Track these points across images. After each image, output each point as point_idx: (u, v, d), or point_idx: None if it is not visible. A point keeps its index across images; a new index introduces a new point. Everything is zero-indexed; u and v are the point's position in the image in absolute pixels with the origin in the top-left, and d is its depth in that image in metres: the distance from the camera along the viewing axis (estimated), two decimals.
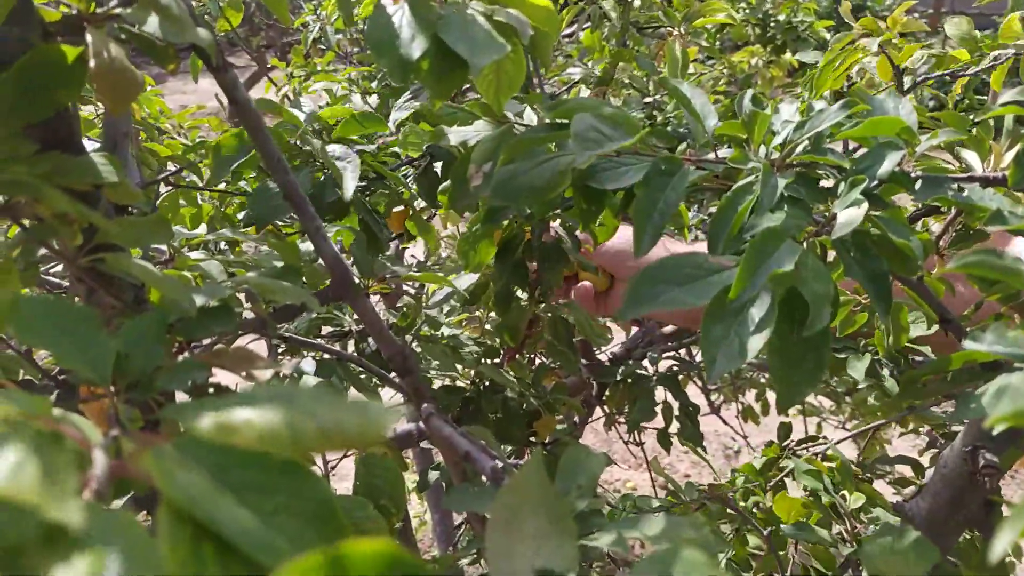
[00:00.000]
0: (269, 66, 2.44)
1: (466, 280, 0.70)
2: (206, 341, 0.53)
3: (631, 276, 0.44)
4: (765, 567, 0.71)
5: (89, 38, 0.42)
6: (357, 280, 0.60)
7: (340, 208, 0.65)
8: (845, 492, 0.65)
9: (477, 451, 0.49)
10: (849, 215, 0.44)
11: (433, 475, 0.75)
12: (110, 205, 0.50)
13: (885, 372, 0.67)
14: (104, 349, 0.36)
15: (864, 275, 0.44)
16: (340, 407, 0.23)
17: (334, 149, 0.62)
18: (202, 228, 0.77)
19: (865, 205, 0.44)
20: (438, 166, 0.67)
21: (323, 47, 2.12)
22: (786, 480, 0.78)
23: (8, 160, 0.43)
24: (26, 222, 0.47)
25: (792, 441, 0.89)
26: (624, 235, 0.78)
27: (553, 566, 0.26)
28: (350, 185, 0.59)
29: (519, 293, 0.74)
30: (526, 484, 0.30)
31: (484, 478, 0.47)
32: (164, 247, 0.66)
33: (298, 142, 0.64)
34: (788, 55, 2.01)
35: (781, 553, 0.63)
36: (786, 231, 0.45)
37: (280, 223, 1.00)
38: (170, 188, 0.96)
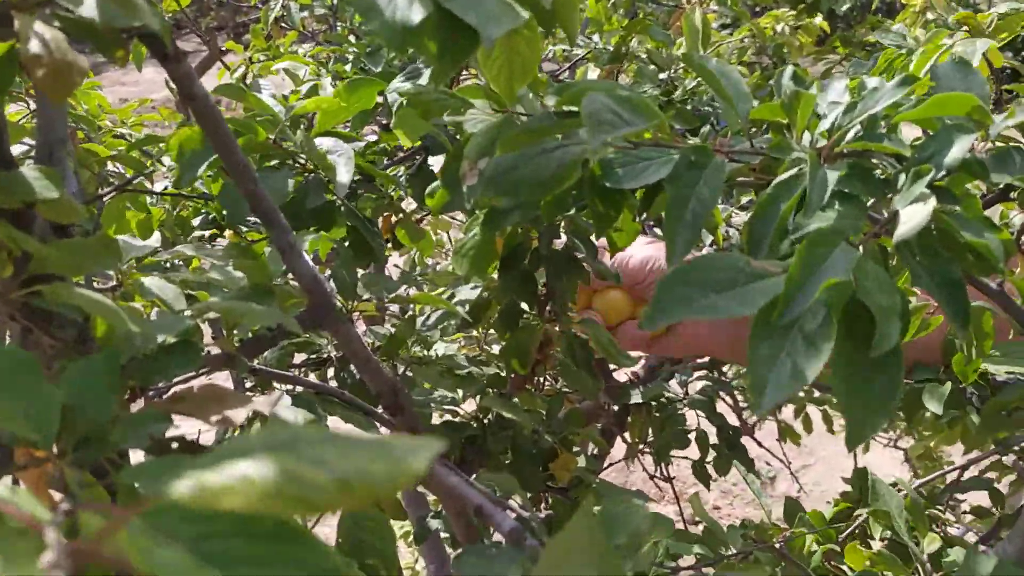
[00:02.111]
0: (223, 49, 2.43)
1: (467, 292, 0.68)
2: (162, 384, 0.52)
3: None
4: None
5: (18, 24, 0.41)
6: (338, 304, 0.59)
7: (325, 216, 0.64)
8: (918, 535, 0.64)
9: (491, 505, 0.48)
10: (914, 213, 0.43)
11: (434, 523, 0.74)
12: (47, 225, 0.49)
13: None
14: (47, 402, 0.35)
15: (934, 283, 0.44)
16: (356, 450, 0.22)
17: (322, 142, 0.61)
18: (155, 238, 0.76)
19: (932, 200, 0.43)
20: (435, 162, 0.66)
21: (285, 26, 2.11)
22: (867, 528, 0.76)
23: None
24: None
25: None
26: (645, 245, 0.77)
27: None
28: (344, 179, 0.59)
29: (526, 308, 0.73)
30: (573, 547, 0.29)
31: (500, 536, 0.46)
32: (111, 272, 0.65)
33: (275, 137, 0.63)
34: (819, 18, 2.00)
35: None
36: (840, 233, 0.44)
37: (245, 228, 0.99)
38: (113, 191, 0.95)
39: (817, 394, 1.77)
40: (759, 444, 1.65)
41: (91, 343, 0.49)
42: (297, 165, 0.64)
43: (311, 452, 0.22)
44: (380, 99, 0.71)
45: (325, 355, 0.87)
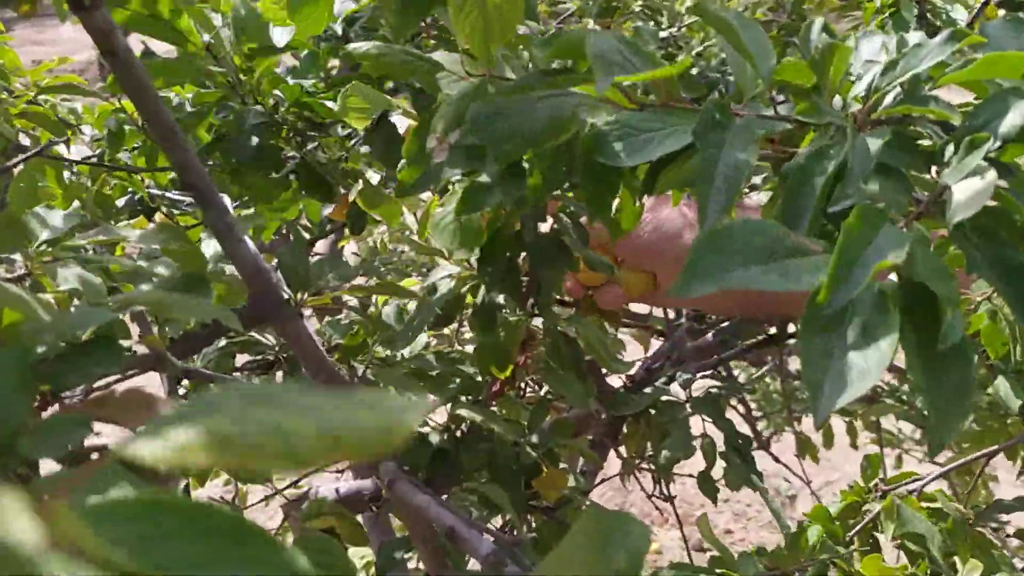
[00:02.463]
0: None
1: (443, 285, 0.67)
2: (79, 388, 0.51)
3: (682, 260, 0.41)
4: None
5: None
6: (287, 295, 0.58)
7: (271, 154, 0.62)
8: (956, 557, 0.64)
9: (466, 527, 0.47)
10: (971, 188, 0.42)
11: (399, 553, 0.73)
12: None
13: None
14: None
15: (993, 270, 0.43)
16: (349, 402, 0.22)
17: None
18: (72, 209, 0.75)
19: (992, 174, 0.42)
20: (398, 119, 0.65)
21: None
22: (877, 534, 0.76)
23: None
24: None
25: (880, 479, 0.87)
26: (655, 220, 0.76)
27: None
28: (279, 41, 0.56)
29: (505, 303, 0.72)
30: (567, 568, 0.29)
31: (477, 562, 0.45)
32: (17, 256, 0.64)
33: (209, 45, 0.61)
34: None
35: None
36: (885, 210, 0.43)
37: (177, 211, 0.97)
38: (25, 158, 0.93)
39: None
40: (776, 459, 1.65)
41: None
42: (236, 96, 0.62)
43: (296, 402, 0.22)
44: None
45: (272, 356, 0.85)
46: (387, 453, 0.21)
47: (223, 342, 0.79)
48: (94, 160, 0.96)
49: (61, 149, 1.07)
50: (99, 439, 0.48)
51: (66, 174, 1.03)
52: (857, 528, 0.80)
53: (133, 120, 0.90)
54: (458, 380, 0.76)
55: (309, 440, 0.21)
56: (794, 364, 1.62)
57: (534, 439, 0.73)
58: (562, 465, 0.84)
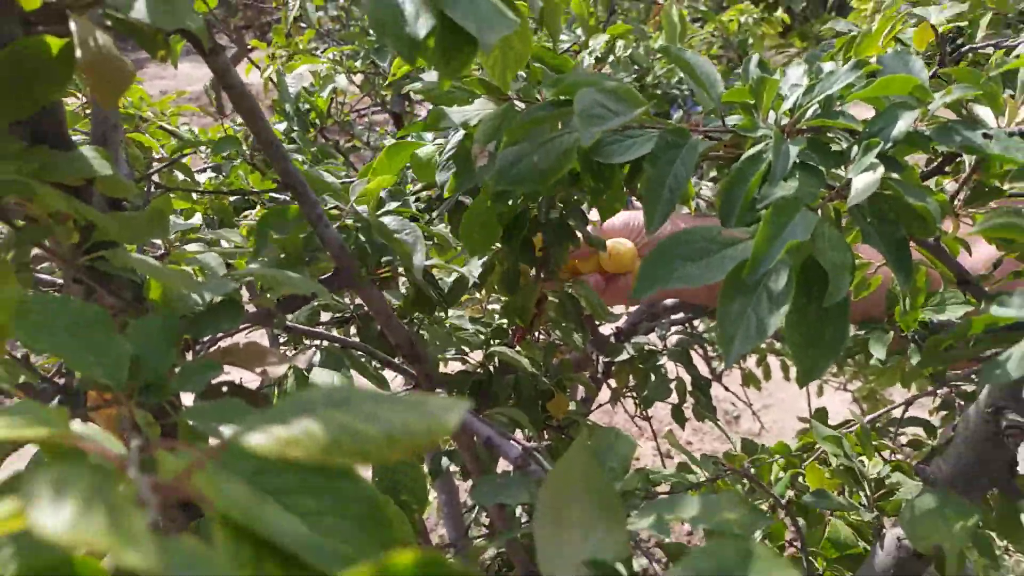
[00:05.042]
0: (249, 47, 2.40)
1: (475, 265, 0.69)
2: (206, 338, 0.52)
3: (645, 255, 0.43)
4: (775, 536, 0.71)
5: (73, 26, 0.40)
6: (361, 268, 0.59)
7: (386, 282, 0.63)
8: (864, 458, 0.65)
9: (498, 437, 0.48)
10: (865, 180, 0.43)
11: (445, 461, 0.75)
12: (103, 200, 0.49)
13: (912, 347, 0.66)
14: (119, 352, 0.35)
15: (883, 241, 0.44)
16: (401, 407, 0.22)
17: (389, 222, 0.59)
18: (197, 218, 0.76)
19: (881, 169, 0.43)
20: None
21: (303, 25, 2.09)
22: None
23: None
24: (18, 223, 0.46)
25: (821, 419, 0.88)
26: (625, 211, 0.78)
27: (603, 555, 0.26)
28: (419, 263, 0.57)
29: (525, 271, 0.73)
30: (572, 470, 0.29)
31: (510, 464, 0.46)
32: (159, 241, 0.65)
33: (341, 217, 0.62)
34: (779, 12, 1.98)
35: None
36: (801, 200, 0.44)
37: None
38: (161, 191, 0.95)
39: (778, 345, 1.79)
40: (726, 388, 1.67)
41: (146, 303, 0.50)
42: (354, 233, 0.63)
43: (364, 408, 0.22)
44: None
45: (348, 315, 0.87)
46: (431, 447, 0.21)
47: (313, 303, 0.81)
48: (213, 175, 0.97)
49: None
50: (227, 377, 0.49)
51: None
52: (810, 460, 0.80)
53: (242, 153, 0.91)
54: (490, 330, 0.77)
55: (375, 441, 0.21)
56: None
57: (548, 372, 0.75)
58: (567, 394, 0.85)
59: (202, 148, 1.20)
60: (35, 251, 0.52)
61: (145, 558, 0.15)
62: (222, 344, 0.51)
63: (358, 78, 1.84)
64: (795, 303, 0.42)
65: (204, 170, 1.08)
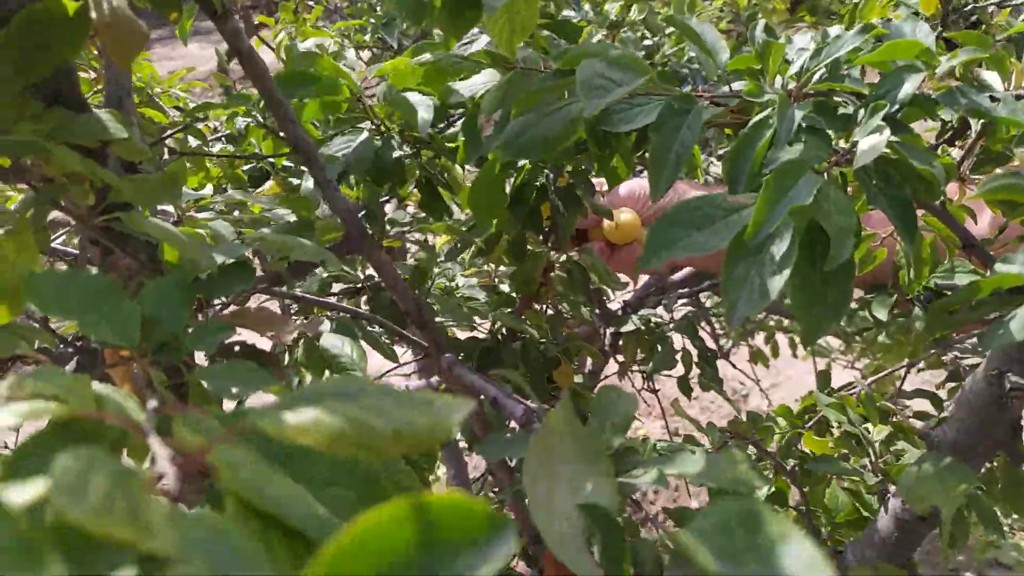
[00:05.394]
0: (256, 24, 2.40)
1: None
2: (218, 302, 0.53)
3: (650, 224, 0.43)
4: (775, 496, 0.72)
5: None
6: (370, 231, 0.60)
7: (399, 170, 0.64)
8: (869, 424, 0.66)
9: (504, 396, 0.49)
10: (871, 142, 0.43)
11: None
12: (118, 163, 0.50)
13: (916, 311, 0.67)
14: (129, 315, 0.36)
15: (888, 203, 0.44)
16: (408, 404, 0.23)
17: (407, 95, 0.60)
18: (208, 189, 0.77)
19: (887, 131, 0.43)
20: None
21: (311, 3, 2.09)
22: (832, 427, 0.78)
23: (14, 120, 0.43)
24: (36, 184, 0.47)
25: (830, 390, 0.89)
26: (632, 180, 0.78)
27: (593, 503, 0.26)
28: (426, 116, 0.58)
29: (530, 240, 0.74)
30: (559, 426, 0.30)
31: (513, 424, 0.47)
32: (171, 208, 0.66)
33: (357, 94, 0.63)
34: None
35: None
36: (805, 163, 0.44)
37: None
38: (175, 156, 0.96)
39: (786, 323, 1.79)
40: (733, 366, 1.67)
41: (160, 264, 0.51)
42: (372, 125, 0.63)
43: (372, 403, 0.22)
44: None
45: (358, 285, 0.88)
46: (433, 448, 0.22)
47: (324, 274, 0.82)
48: (230, 148, 0.98)
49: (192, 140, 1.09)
50: (239, 338, 0.50)
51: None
52: (812, 421, 0.81)
53: (254, 117, 0.91)
54: (497, 297, 0.78)
55: (381, 436, 0.21)
56: None
57: (555, 341, 0.75)
58: (575, 366, 0.86)
59: (212, 122, 1.21)
60: (52, 216, 0.53)
61: (163, 544, 0.16)
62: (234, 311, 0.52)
63: (366, 55, 1.84)
64: (798, 266, 0.42)
65: (219, 138, 1.08)
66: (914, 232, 0.44)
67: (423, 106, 0.60)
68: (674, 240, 0.43)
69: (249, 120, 0.98)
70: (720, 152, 1.32)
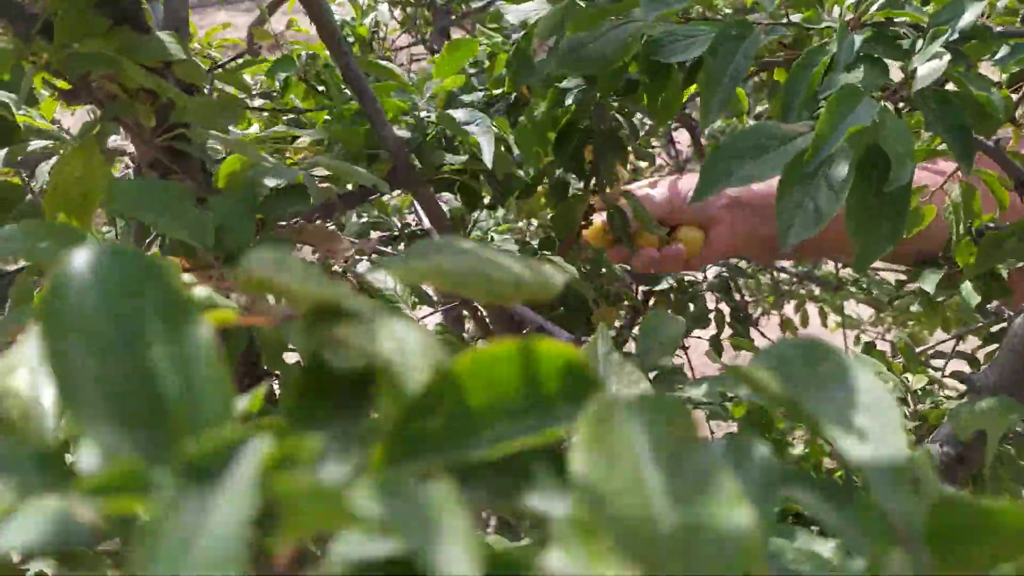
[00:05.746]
0: None
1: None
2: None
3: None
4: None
5: None
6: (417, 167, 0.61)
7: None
8: (908, 375, 0.66)
9: (550, 325, 0.50)
10: (931, 67, 0.43)
11: None
12: (178, 86, 0.51)
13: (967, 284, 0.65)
14: (203, 220, 0.38)
15: (945, 128, 0.44)
16: (522, 262, 0.23)
17: (459, 115, 0.60)
18: (254, 128, 0.78)
19: (947, 57, 0.43)
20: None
21: None
22: None
23: (83, 36, 0.44)
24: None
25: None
26: (668, 187, 0.76)
27: None
28: (489, 151, 0.57)
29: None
30: (597, 350, 0.31)
31: None
32: (220, 147, 0.67)
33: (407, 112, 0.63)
34: None
35: None
36: (864, 88, 0.44)
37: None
38: (219, 67, 0.96)
39: (817, 292, 1.78)
40: (763, 335, 1.66)
41: (213, 188, 0.52)
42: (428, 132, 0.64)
43: (491, 256, 0.23)
44: None
45: (396, 232, 0.89)
46: (547, 298, 0.23)
47: (364, 219, 0.83)
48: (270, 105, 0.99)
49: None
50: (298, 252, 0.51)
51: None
52: None
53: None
54: (539, 240, 0.78)
55: (503, 282, 0.22)
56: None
57: (593, 282, 0.76)
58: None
59: (251, 79, 1.22)
60: (110, 142, 0.54)
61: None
62: None
63: (398, 15, 1.84)
64: (856, 188, 0.43)
65: (254, 96, 1.09)
66: (972, 159, 0.44)
67: (485, 139, 0.59)
68: (728, 171, 0.43)
69: (290, 73, 0.99)
70: (762, 110, 1.30)
